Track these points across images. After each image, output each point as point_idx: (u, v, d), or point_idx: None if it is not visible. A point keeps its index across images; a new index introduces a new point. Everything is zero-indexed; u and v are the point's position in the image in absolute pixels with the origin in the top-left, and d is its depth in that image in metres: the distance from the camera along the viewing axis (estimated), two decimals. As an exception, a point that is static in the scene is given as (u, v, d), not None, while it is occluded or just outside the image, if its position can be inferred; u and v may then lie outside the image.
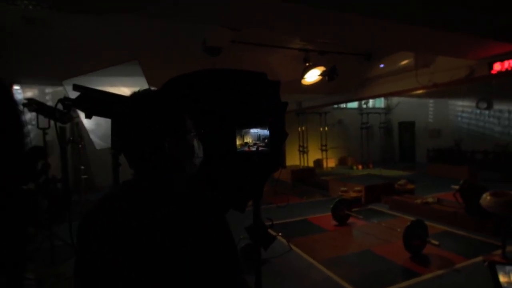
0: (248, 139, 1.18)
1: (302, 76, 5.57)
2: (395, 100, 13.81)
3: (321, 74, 5.41)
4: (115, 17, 3.56)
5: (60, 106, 1.42)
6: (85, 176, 5.12)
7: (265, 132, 1.14)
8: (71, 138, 3.16)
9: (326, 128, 11.91)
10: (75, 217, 5.93)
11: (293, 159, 11.89)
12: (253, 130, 1.16)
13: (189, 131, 0.81)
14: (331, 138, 12.28)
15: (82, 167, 4.60)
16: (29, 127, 4.60)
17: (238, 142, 1.23)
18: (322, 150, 11.99)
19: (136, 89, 0.81)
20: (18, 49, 4.72)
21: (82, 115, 2.99)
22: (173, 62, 4.80)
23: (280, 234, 4.24)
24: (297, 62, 5.59)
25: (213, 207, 0.76)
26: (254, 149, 1.16)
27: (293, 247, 4.09)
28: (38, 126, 3.73)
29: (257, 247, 3.63)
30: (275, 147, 1.13)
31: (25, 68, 4.90)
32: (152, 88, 0.93)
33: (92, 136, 3.40)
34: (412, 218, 4.23)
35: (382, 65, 6.67)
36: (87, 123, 3.46)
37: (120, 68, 2.77)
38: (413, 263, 3.54)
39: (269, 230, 4.27)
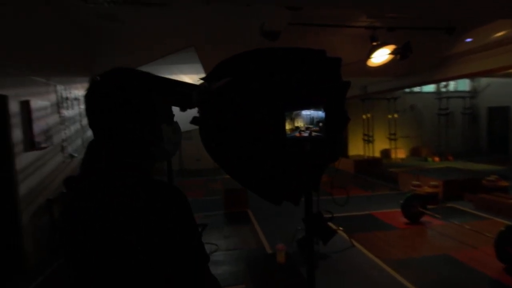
0: (299, 123, 1.00)
1: (368, 56, 5.03)
2: (483, 81, 11.73)
3: (392, 53, 4.79)
4: (172, 7, 3.64)
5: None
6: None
7: (320, 114, 0.93)
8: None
9: (396, 115, 10.77)
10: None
11: (356, 148, 11.12)
12: (305, 112, 0.97)
13: (157, 114, 0.74)
14: (401, 126, 11.09)
15: None
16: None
17: (287, 126, 1.05)
18: (390, 139, 10.93)
19: (194, 76, 0.74)
20: (98, 43, 5.27)
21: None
22: (231, 49, 4.79)
23: (341, 228, 3.96)
24: (362, 41, 5.06)
25: (174, 196, 0.70)
26: (306, 134, 0.97)
27: (356, 244, 3.78)
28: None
29: (311, 239, 3.45)
30: (332, 133, 0.92)
31: (103, 61, 5.42)
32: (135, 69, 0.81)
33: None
34: (505, 222, 3.51)
35: (468, 40, 5.62)
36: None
37: (178, 56, 2.81)
38: (509, 276, 2.93)
39: (329, 223, 4.06)
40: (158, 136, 0.76)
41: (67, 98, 4.43)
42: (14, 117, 3.19)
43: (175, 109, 1.92)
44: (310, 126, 0.95)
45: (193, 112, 1.68)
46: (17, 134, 3.21)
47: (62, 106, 4.27)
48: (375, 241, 3.90)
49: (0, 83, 2.99)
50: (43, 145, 3.64)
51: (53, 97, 4.04)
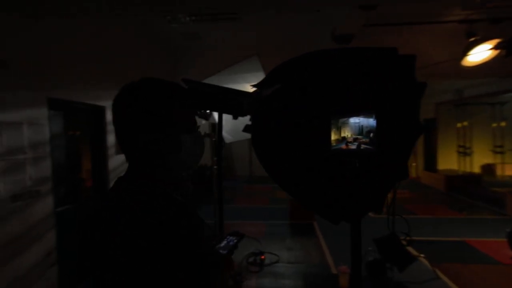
0: (347, 132, 0.84)
1: (463, 54, 4.29)
2: None
3: (495, 47, 3.98)
4: (242, 20, 3.76)
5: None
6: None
7: (370, 122, 0.76)
8: (206, 132, 3.60)
9: (503, 123, 8.90)
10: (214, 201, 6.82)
11: (448, 161, 9.58)
12: (354, 120, 0.81)
13: (176, 124, 0.73)
14: (510, 137, 9.12)
15: (215, 158, 5.23)
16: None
17: (333, 136, 0.91)
18: (495, 153, 9.07)
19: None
20: (184, 64, 5.84)
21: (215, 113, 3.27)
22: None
23: (422, 255, 3.40)
24: (455, 38, 4.35)
25: (175, 211, 0.68)
26: (354, 146, 0.81)
27: (441, 275, 3.18)
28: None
29: (384, 264, 3.04)
30: (387, 145, 0.73)
31: (181, 74, 5.97)
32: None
33: (222, 131, 3.75)
34: None
35: None
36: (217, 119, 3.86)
37: (241, 66, 2.87)
38: None
39: (408, 248, 3.53)
40: (175, 146, 0.73)
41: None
42: (109, 125, 3.75)
43: (228, 118, 1.94)
44: (358, 136, 0.79)
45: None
46: (110, 139, 3.75)
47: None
48: (468, 276, 3.21)
49: (99, 96, 3.55)
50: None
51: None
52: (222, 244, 1.20)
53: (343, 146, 0.86)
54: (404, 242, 3.26)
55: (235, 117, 1.57)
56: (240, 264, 3.48)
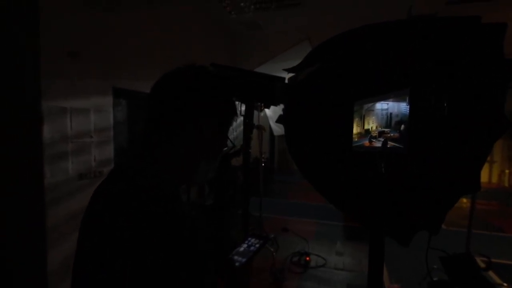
0: (371, 123, 0.60)
1: None
2: None
3: None
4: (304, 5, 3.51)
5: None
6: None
7: (402, 108, 0.51)
8: (255, 124, 3.50)
9: None
10: (266, 194, 6.78)
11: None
12: (381, 106, 0.57)
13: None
14: None
15: (264, 151, 5.10)
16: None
17: (355, 129, 0.67)
18: None
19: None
20: (243, 52, 5.87)
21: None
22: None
23: (506, 285, 2.76)
24: None
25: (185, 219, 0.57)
26: (379, 144, 0.57)
27: (531, 313, 2.54)
28: (240, 114, 4.49)
29: (451, 286, 2.60)
30: (422, 144, 0.47)
31: (246, 65, 6.00)
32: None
33: (271, 123, 3.61)
34: None
35: None
36: (267, 111, 3.72)
37: (291, 52, 2.66)
38: None
39: (486, 273, 2.90)
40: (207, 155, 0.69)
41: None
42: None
43: (277, 108, 1.76)
44: (385, 130, 0.55)
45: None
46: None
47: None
48: None
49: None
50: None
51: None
52: (242, 249, 1.02)
53: (366, 142, 0.63)
54: (482, 265, 2.68)
55: (266, 106, 1.40)
56: (284, 262, 3.33)
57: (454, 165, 0.92)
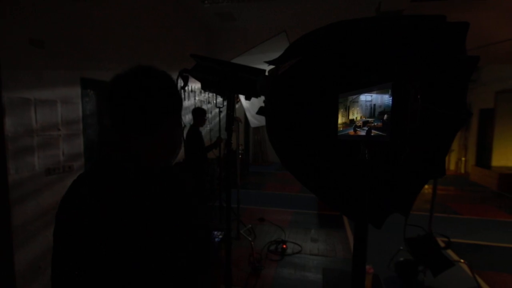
0: (356, 114, 0.66)
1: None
2: None
3: None
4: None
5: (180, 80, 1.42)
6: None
7: (385, 100, 0.56)
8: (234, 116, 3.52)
9: None
10: (244, 186, 6.81)
11: (505, 158, 8.54)
12: (364, 98, 0.62)
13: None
14: None
15: (241, 144, 5.14)
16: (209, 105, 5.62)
17: (340, 120, 0.72)
18: None
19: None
20: (217, 43, 5.77)
21: (242, 96, 3.15)
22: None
23: (463, 261, 3.05)
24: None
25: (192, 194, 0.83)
26: (363, 133, 0.62)
27: (483, 284, 2.83)
28: (216, 105, 4.44)
29: (416, 266, 2.82)
30: (403, 132, 0.53)
31: (220, 56, 5.92)
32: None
33: (248, 115, 3.63)
34: None
35: None
36: (244, 102, 3.73)
37: (269, 44, 2.68)
38: None
39: (446, 251, 3.18)
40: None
41: (184, 90, 5.06)
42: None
43: (255, 100, 1.78)
44: (369, 119, 0.60)
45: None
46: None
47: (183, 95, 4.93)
48: (518, 289, 2.82)
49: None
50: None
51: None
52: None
53: (351, 131, 0.68)
54: (442, 244, 2.94)
55: (247, 98, 1.42)
56: (261, 251, 3.42)
57: (423, 153, 1.00)
